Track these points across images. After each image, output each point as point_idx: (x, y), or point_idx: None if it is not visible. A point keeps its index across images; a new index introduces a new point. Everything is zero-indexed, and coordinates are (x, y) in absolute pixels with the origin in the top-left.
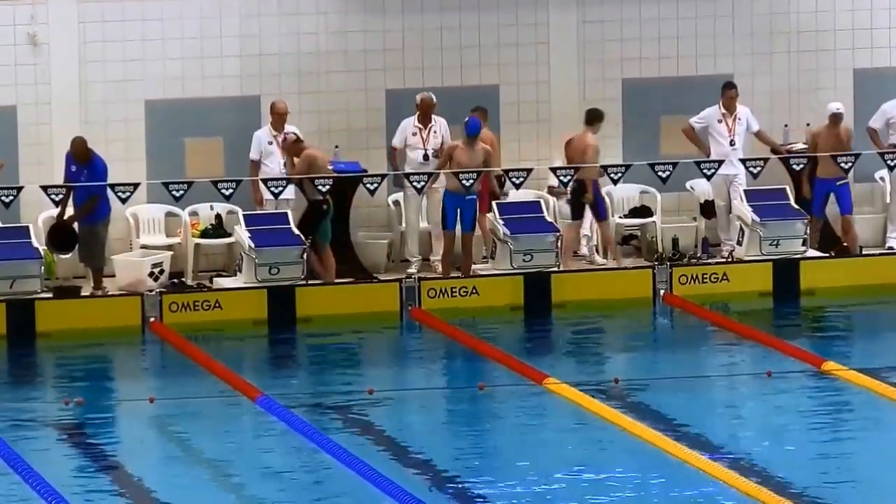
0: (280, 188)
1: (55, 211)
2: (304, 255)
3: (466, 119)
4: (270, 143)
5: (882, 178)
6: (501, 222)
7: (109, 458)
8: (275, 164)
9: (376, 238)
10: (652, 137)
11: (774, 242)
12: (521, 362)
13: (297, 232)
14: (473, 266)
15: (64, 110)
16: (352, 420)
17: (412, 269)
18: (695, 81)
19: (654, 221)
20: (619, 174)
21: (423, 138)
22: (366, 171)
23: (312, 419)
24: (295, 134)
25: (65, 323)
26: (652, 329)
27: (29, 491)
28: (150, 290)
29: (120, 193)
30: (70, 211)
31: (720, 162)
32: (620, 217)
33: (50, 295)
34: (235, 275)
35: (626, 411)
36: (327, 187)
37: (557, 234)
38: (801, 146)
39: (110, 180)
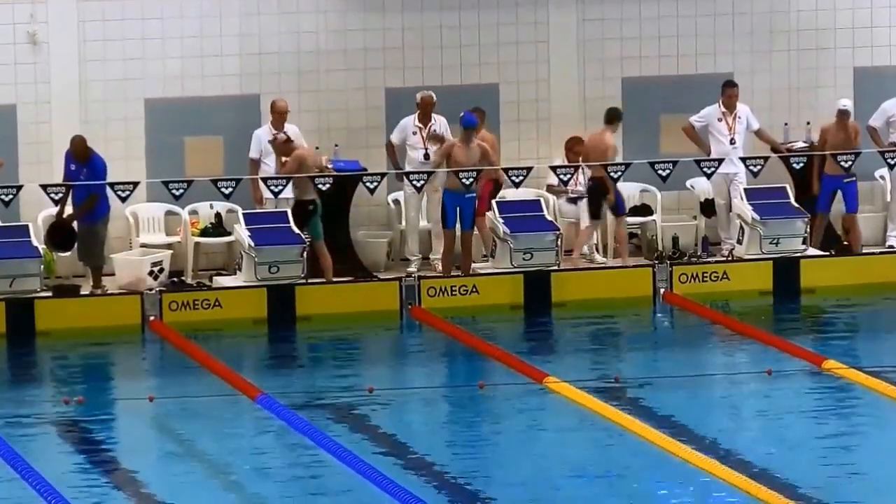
0: (280, 187)
1: (55, 210)
2: (304, 254)
3: (462, 114)
4: (270, 141)
5: (882, 177)
6: (501, 221)
7: (109, 456)
8: (274, 163)
9: (376, 237)
10: (652, 136)
11: (775, 241)
12: (521, 361)
13: (296, 231)
14: (473, 265)
15: (63, 109)
16: (352, 419)
17: (412, 268)
18: (695, 80)
19: (654, 220)
20: (620, 173)
21: (423, 137)
22: (365, 169)
23: (312, 418)
24: (285, 134)
25: (64, 322)
26: (652, 328)
27: (28, 490)
28: (150, 289)
29: (119, 192)
30: (69, 209)
31: (720, 160)
32: None
33: (49, 294)
34: (235, 273)
35: (627, 410)
36: (327, 186)
37: (557, 232)
38: (801, 144)
39: (110, 179)
